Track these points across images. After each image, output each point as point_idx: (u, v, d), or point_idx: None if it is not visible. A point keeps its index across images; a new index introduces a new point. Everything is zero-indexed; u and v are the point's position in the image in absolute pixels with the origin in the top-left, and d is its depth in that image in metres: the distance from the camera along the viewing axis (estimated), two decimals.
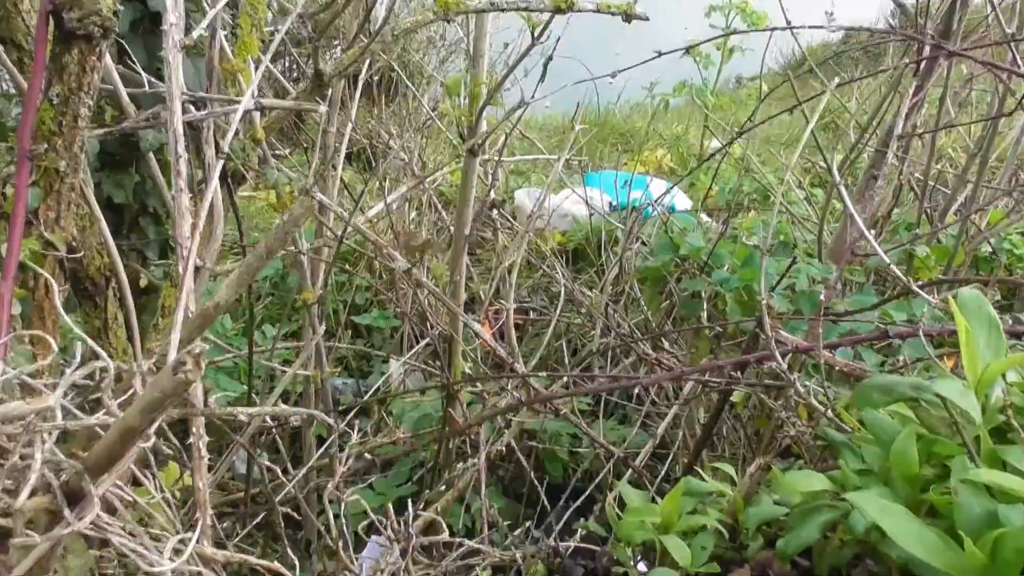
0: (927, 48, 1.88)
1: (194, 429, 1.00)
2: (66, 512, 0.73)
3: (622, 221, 3.43)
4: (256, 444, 2.64)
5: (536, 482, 2.56)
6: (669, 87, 5.77)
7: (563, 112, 6.41)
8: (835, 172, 1.74)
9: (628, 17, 1.46)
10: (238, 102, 1.27)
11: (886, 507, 0.90)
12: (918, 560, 0.86)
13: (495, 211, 3.41)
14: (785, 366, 1.23)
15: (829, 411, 1.19)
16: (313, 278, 1.96)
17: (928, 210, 2.71)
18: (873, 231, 2.43)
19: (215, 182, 1.20)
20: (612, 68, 2.03)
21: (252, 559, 0.91)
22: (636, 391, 3.07)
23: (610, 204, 3.95)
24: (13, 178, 1.02)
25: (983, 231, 2.45)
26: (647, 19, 1.49)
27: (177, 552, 0.79)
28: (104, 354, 0.80)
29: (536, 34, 1.56)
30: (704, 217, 3.55)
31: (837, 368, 1.34)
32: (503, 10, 1.42)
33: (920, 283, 1.58)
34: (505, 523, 2.64)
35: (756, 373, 1.81)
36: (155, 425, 0.75)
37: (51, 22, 1.02)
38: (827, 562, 1.02)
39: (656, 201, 3.21)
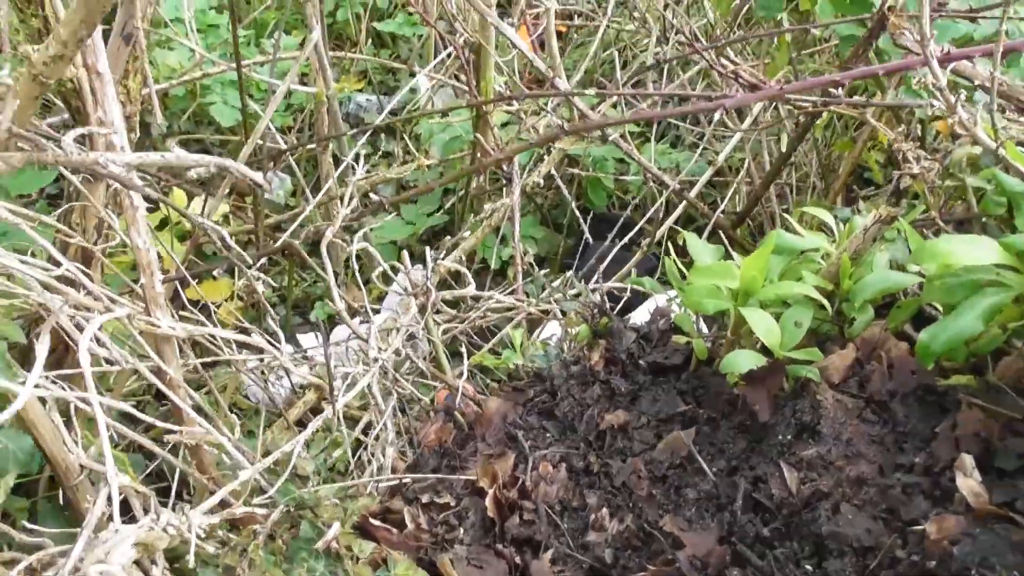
0: None
1: None
2: None
3: None
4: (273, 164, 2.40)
5: (577, 212, 2.32)
6: None
7: None
8: None
9: None
10: None
11: None
12: None
13: None
14: (944, 79, 0.90)
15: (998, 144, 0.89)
16: None
17: None
18: None
19: None
20: None
21: None
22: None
23: None
24: None
25: None
26: None
27: None
28: None
29: None
30: None
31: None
32: None
33: None
34: (538, 254, 2.41)
35: (855, 90, 1.47)
36: None
37: None
38: (970, 350, 0.78)
39: None
